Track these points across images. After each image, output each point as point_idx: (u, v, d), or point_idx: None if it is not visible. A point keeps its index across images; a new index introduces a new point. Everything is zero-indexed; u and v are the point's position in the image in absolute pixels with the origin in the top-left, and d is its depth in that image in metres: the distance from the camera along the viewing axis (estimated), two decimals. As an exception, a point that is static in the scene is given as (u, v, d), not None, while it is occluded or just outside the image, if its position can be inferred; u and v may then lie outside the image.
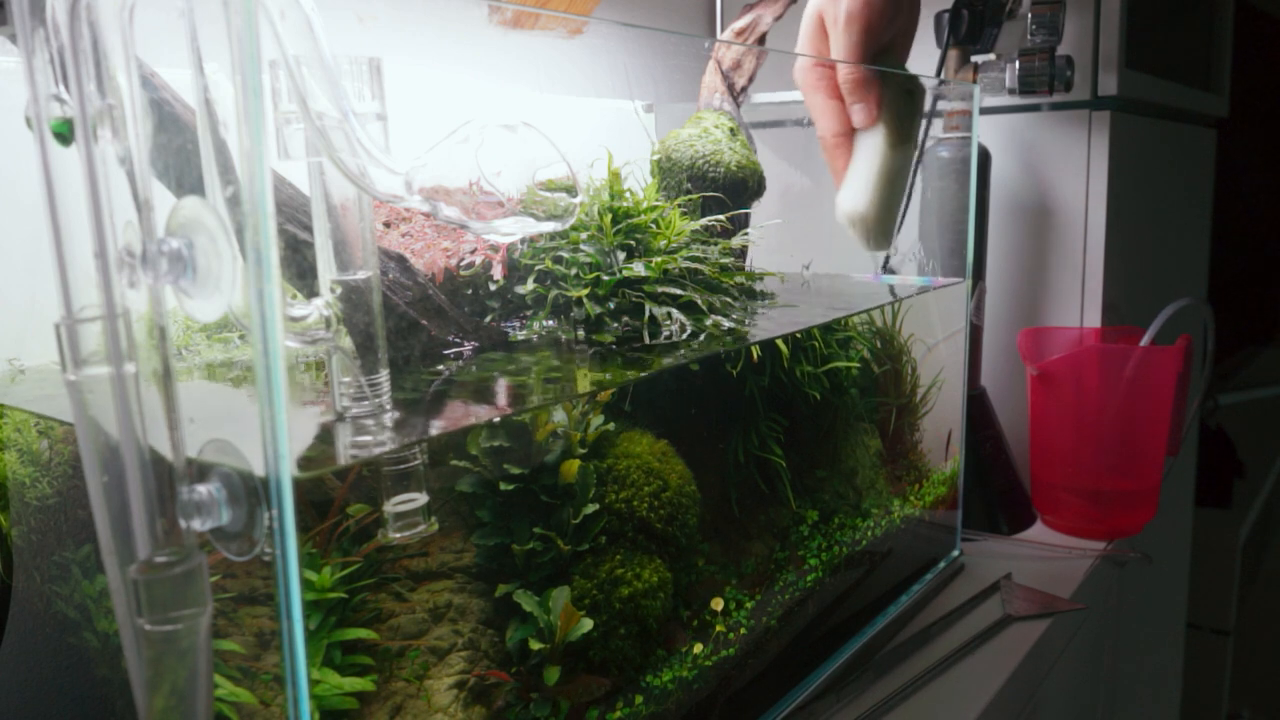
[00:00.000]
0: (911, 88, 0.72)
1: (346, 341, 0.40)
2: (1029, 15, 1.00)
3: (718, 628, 0.61)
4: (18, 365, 0.53)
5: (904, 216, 1.02)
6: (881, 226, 0.73)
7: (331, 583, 0.43)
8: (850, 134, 0.72)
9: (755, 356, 0.65)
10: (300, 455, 0.38)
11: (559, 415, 0.53)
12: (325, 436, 0.40)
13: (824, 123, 0.71)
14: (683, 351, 0.57)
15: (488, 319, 0.56)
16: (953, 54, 1.04)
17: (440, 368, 0.51)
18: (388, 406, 0.42)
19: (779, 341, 0.67)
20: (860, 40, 0.66)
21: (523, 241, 0.59)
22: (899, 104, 0.71)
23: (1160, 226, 1.27)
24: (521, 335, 0.58)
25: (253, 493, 0.32)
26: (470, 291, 0.56)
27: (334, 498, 0.43)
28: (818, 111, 0.71)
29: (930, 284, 0.92)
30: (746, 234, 0.80)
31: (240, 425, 0.39)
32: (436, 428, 0.44)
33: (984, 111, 1.08)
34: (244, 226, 0.30)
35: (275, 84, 0.36)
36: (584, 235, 0.61)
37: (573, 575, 0.52)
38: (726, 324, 0.63)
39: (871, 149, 0.71)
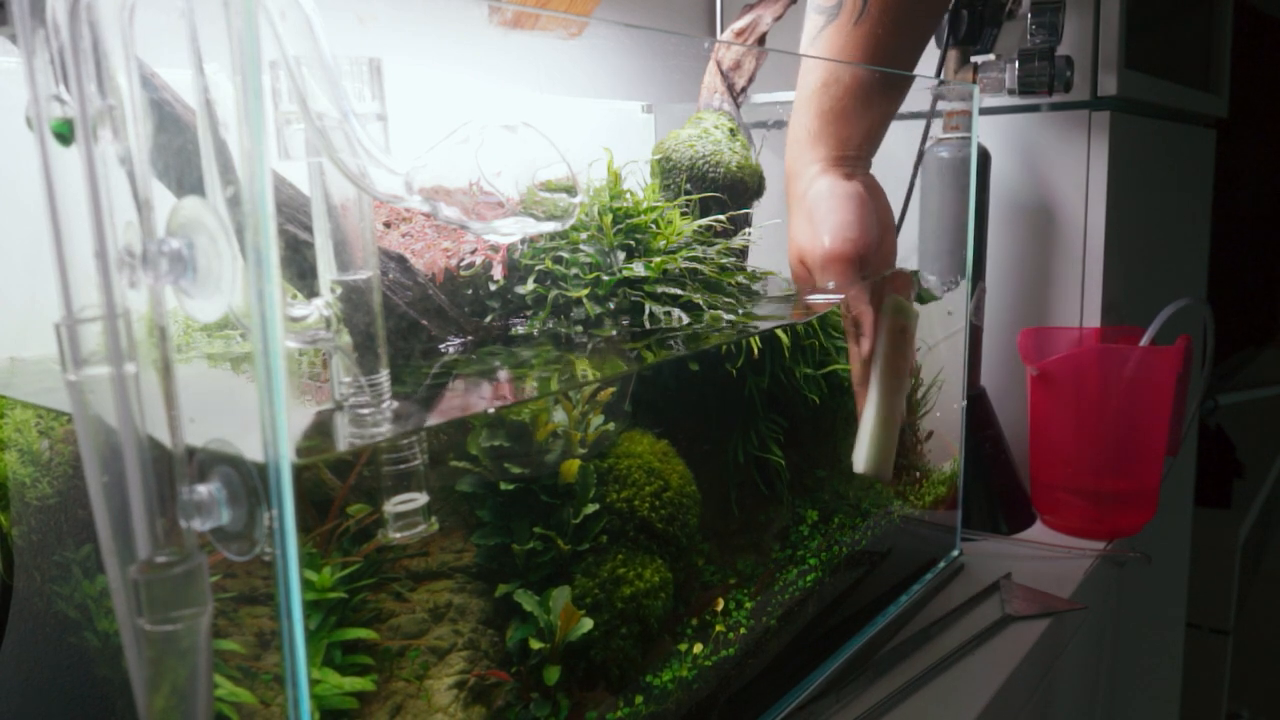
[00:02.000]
0: (906, 323, 0.69)
1: (346, 341, 0.40)
2: (1029, 15, 1.00)
3: (717, 628, 0.61)
4: (17, 360, 0.53)
5: (903, 216, 1.02)
6: (888, 467, 0.70)
7: (331, 583, 0.43)
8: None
9: (755, 351, 0.65)
10: (299, 455, 0.38)
11: (559, 415, 0.53)
12: (325, 436, 0.40)
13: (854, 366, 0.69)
14: (680, 342, 0.57)
15: (488, 319, 0.56)
16: (953, 54, 1.04)
17: (439, 367, 0.51)
18: (387, 406, 0.42)
19: (780, 333, 0.67)
20: (843, 278, 0.64)
21: (523, 241, 0.59)
22: (893, 331, 0.67)
23: (1160, 226, 1.27)
24: (521, 335, 0.58)
25: (253, 492, 0.32)
26: (470, 291, 0.56)
27: (334, 498, 0.43)
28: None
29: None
30: (746, 234, 0.80)
31: (241, 425, 0.39)
32: (435, 423, 0.44)
33: (984, 111, 1.08)
34: (244, 227, 0.30)
35: (275, 84, 0.36)
36: (584, 235, 0.61)
37: (574, 574, 0.52)
38: (727, 317, 0.63)
39: (869, 396, 0.68)
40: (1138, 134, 1.12)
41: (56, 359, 0.32)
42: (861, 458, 0.67)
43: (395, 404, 0.42)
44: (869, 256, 0.65)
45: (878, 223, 0.67)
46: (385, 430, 0.40)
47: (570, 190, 0.49)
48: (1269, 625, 2.01)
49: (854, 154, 0.68)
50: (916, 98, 1.01)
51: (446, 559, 0.49)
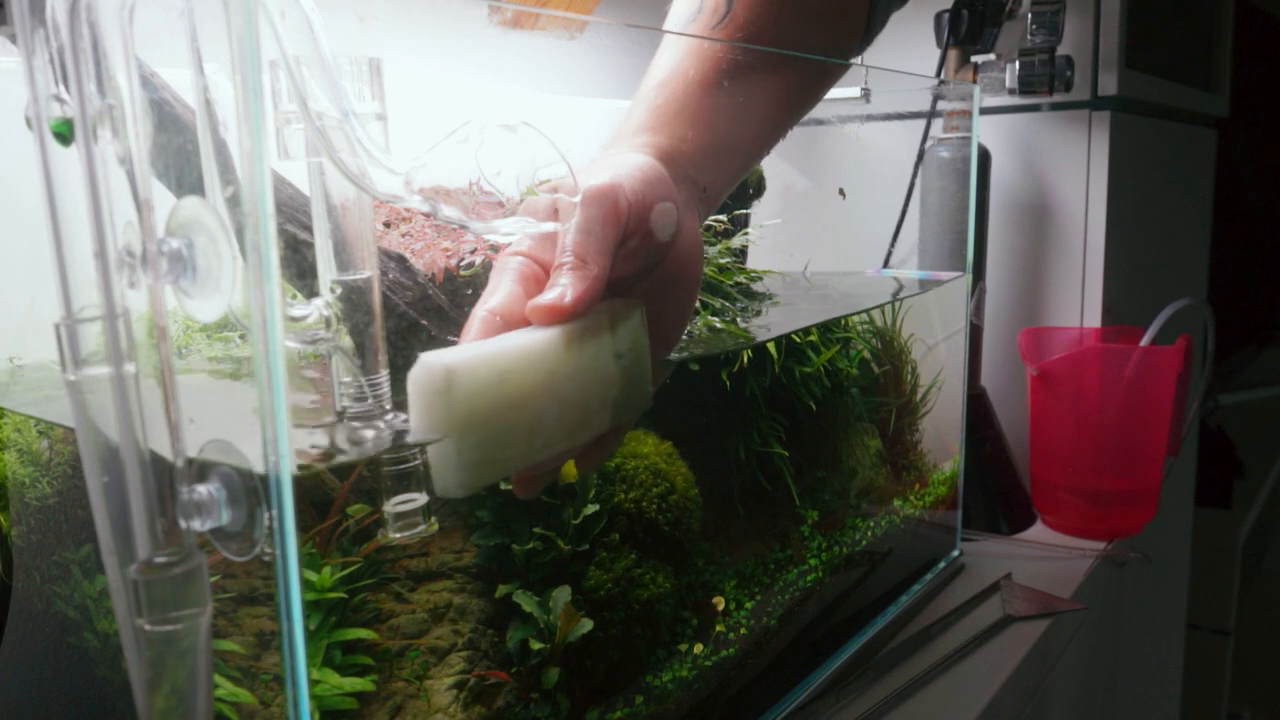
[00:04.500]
0: (627, 352, 0.45)
1: (346, 341, 0.40)
2: (1029, 15, 1.00)
3: (718, 628, 0.61)
4: (17, 363, 0.53)
5: (903, 216, 1.02)
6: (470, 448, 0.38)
7: (331, 583, 0.43)
8: (507, 318, 0.43)
9: (746, 360, 0.65)
10: (300, 455, 0.38)
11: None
12: (325, 437, 0.40)
13: (492, 298, 0.44)
14: (685, 352, 0.57)
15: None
16: (953, 54, 1.04)
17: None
18: (388, 406, 0.42)
19: (770, 346, 0.67)
20: (592, 226, 0.43)
21: (523, 241, 0.59)
22: (617, 328, 0.44)
23: (1160, 226, 1.27)
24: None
25: (253, 493, 0.32)
26: (470, 291, 0.56)
27: (334, 498, 0.43)
28: (491, 289, 0.44)
29: (929, 277, 0.92)
30: (746, 234, 0.80)
31: (240, 425, 0.39)
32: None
33: (984, 111, 1.08)
34: (244, 226, 0.30)
35: (275, 84, 0.36)
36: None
37: (587, 570, 0.52)
38: (718, 324, 0.63)
39: (543, 339, 0.41)
40: (1138, 134, 1.12)
41: (56, 362, 0.32)
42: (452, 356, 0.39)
43: (396, 413, 0.42)
44: (638, 232, 0.46)
45: (678, 250, 0.48)
46: (385, 437, 0.40)
47: (570, 190, 0.49)
48: (1269, 625, 2.01)
49: (686, 160, 0.51)
50: (916, 97, 1.01)
51: (446, 559, 0.49)
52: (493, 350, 0.40)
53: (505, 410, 0.39)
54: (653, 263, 0.47)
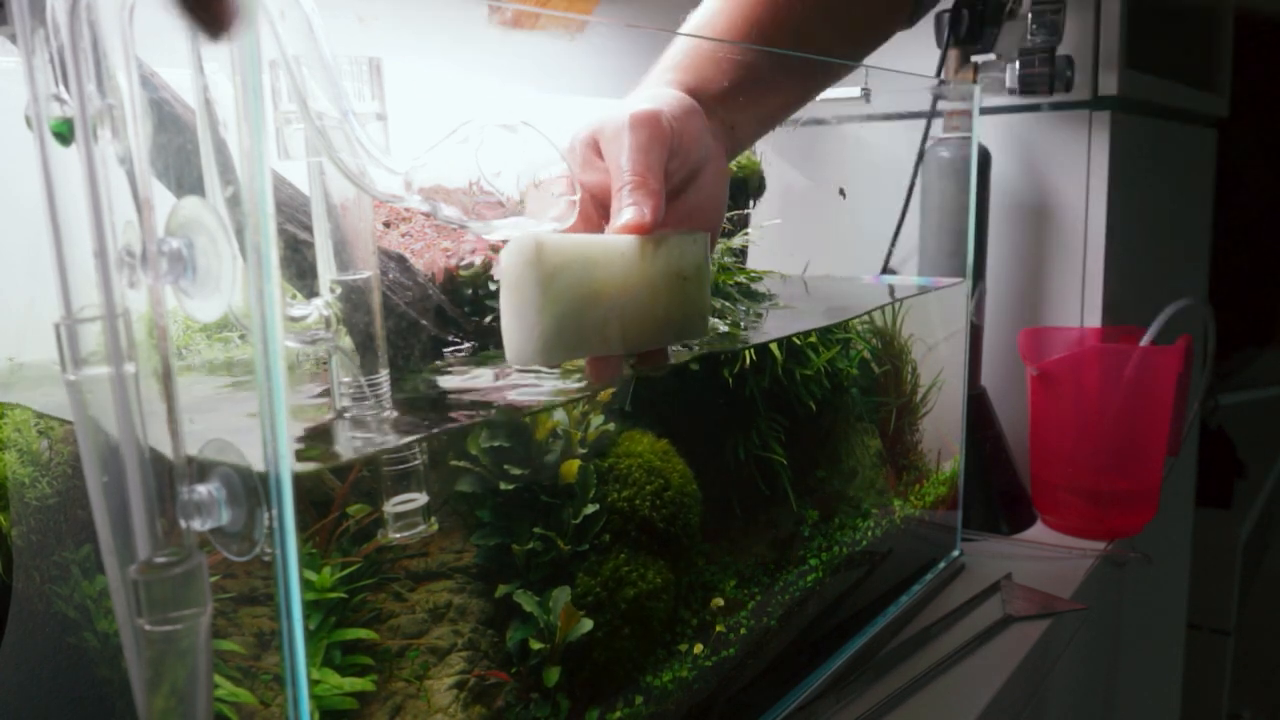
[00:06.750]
0: (684, 270, 0.48)
1: (346, 341, 0.40)
2: (1029, 15, 1.00)
3: (718, 628, 0.61)
4: (17, 362, 0.53)
5: (904, 216, 1.02)
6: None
7: (331, 583, 0.43)
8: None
9: (749, 360, 0.65)
10: (300, 455, 0.38)
11: (559, 414, 0.53)
12: (325, 436, 0.40)
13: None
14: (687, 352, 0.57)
15: (488, 319, 0.56)
16: (953, 54, 1.03)
17: (439, 366, 0.51)
18: (387, 406, 0.42)
19: (773, 346, 0.67)
20: (646, 145, 0.46)
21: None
22: (685, 251, 0.48)
23: (1160, 226, 1.27)
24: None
25: (252, 493, 0.32)
26: (470, 291, 0.56)
27: (334, 498, 0.43)
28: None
29: (930, 284, 0.92)
30: (746, 234, 0.80)
31: (240, 425, 0.39)
32: (436, 426, 0.44)
33: (984, 111, 1.08)
34: (244, 226, 0.30)
35: (275, 84, 0.36)
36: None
37: (576, 574, 0.52)
38: (723, 327, 0.63)
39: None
40: (1138, 134, 1.12)
41: (56, 360, 0.32)
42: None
43: (396, 413, 0.42)
44: (678, 154, 0.49)
45: (707, 177, 0.52)
46: (385, 437, 0.40)
47: (570, 189, 0.49)
48: (1270, 625, 2.01)
49: (711, 98, 0.53)
50: (917, 97, 1.01)
51: (446, 559, 0.49)
52: (579, 240, 0.45)
53: (586, 295, 0.44)
54: (685, 185, 0.51)
